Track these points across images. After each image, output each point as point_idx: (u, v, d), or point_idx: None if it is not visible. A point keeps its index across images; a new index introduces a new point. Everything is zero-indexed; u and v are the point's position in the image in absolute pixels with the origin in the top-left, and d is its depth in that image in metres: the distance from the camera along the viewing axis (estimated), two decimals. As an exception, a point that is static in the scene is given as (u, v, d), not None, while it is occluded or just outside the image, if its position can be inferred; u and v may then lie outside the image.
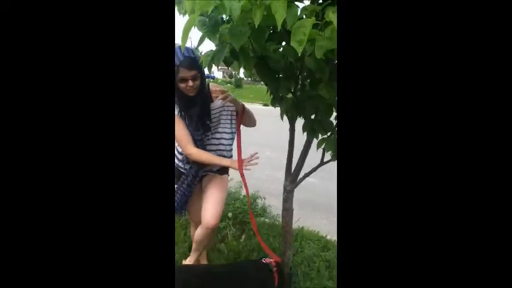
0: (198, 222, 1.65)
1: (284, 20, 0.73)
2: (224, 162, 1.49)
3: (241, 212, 2.55)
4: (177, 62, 1.32)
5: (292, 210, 1.55)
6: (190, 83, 1.36)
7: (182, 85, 1.36)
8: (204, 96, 1.46)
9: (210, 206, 1.56)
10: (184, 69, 1.33)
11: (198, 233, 1.62)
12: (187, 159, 1.55)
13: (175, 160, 1.62)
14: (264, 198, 2.91)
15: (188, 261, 1.73)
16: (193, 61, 1.35)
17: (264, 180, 3.84)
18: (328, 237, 2.43)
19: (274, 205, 2.84)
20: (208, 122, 1.52)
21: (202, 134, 1.52)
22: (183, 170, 1.59)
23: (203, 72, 1.43)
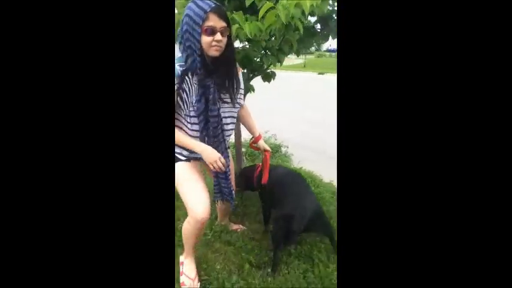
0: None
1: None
2: (198, 148, 1.27)
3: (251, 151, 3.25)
4: (206, 7, 1.09)
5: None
6: (219, 36, 1.12)
7: (208, 39, 1.11)
8: (230, 60, 1.25)
9: (198, 196, 1.33)
10: (215, 16, 1.10)
11: (186, 228, 1.39)
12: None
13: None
14: (287, 147, 3.59)
15: (184, 257, 1.58)
16: (224, 12, 1.14)
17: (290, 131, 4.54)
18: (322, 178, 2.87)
19: (295, 153, 3.50)
20: (234, 93, 1.31)
21: (218, 109, 1.27)
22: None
23: (231, 33, 1.21)
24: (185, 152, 1.36)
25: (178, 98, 1.21)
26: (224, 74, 1.25)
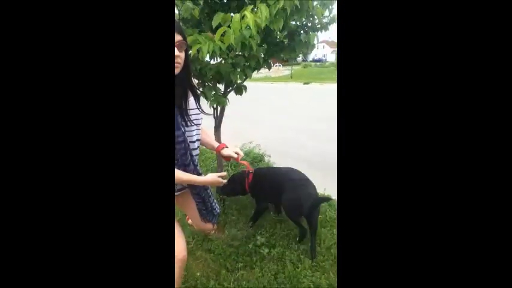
0: None
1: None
2: (199, 180, 1.21)
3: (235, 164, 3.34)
4: None
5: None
6: (176, 51, 1.03)
7: None
8: (185, 80, 1.15)
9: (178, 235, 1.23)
10: None
11: None
12: None
13: None
14: (269, 156, 3.68)
15: None
16: (179, 25, 1.05)
17: (272, 140, 4.67)
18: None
19: (276, 162, 3.57)
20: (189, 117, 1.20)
21: (184, 133, 1.16)
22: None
23: (188, 47, 1.12)
24: None
25: None
26: (181, 95, 1.16)
